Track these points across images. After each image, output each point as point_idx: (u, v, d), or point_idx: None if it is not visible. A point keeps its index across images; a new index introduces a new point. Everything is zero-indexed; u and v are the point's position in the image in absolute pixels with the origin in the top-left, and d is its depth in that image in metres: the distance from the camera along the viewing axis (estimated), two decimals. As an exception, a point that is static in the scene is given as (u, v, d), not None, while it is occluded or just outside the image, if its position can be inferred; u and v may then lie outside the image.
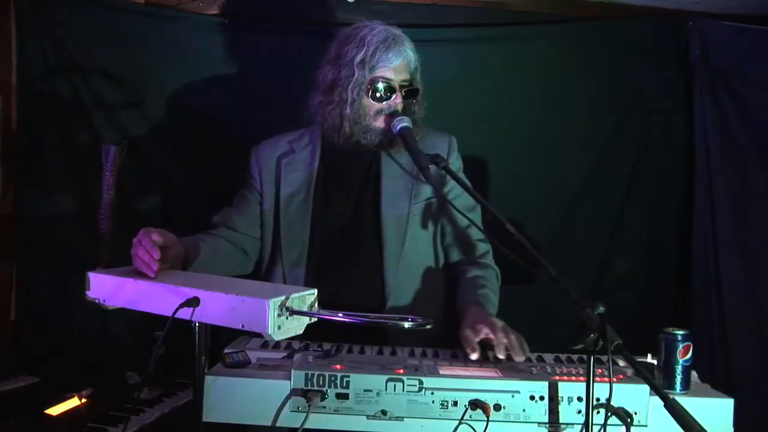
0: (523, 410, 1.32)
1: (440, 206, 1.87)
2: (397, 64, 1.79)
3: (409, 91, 1.82)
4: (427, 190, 1.86)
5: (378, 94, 1.79)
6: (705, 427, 1.06)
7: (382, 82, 1.79)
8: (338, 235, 1.85)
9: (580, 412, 1.31)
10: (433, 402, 1.31)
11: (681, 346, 1.38)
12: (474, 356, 1.51)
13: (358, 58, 1.77)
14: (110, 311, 1.46)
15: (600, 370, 1.22)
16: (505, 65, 2.66)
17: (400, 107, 1.80)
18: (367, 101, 1.79)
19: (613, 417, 1.24)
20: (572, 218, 2.71)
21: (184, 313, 1.27)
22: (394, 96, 1.80)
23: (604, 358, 1.18)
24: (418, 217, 1.86)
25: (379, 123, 1.80)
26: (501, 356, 1.50)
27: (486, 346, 1.54)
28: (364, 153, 1.87)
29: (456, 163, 1.93)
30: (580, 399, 1.31)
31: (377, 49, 1.77)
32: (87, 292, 1.43)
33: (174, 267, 1.57)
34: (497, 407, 1.31)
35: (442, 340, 1.70)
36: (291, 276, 1.82)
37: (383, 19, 1.88)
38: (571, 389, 1.32)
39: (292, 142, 1.94)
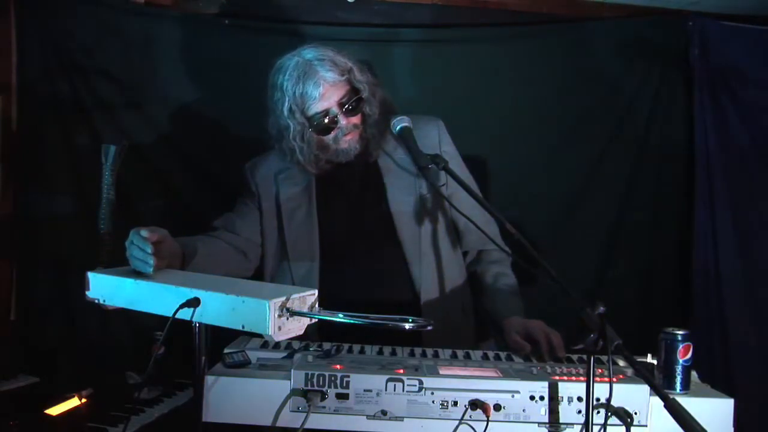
0: (523, 410, 1.32)
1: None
2: (322, 91, 1.73)
3: (352, 106, 1.78)
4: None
5: (323, 129, 1.77)
6: (705, 427, 1.06)
7: (319, 117, 1.76)
8: (350, 239, 1.85)
9: (580, 412, 1.31)
10: (433, 402, 1.31)
11: (681, 346, 1.38)
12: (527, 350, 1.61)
13: (285, 108, 1.76)
14: (110, 311, 1.46)
15: (600, 370, 1.22)
16: (505, 65, 2.66)
17: (352, 121, 1.78)
18: (319, 137, 1.79)
19: (613, 417, 1.24)
20: (572, 218, 2.72)
21: (185, 314, 1.27)
22: (340, 119, 1.77)
23: (604, 358, 1.19)
24: (428, 206, 1.86)
25: (348, 141, 1.79)
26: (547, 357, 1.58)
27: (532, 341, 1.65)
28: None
29: (449, 149, 1.91)
30: (580, 399, 1.31)
31: (295, 92, 1.74)
32: (87, 292, 1.43)
33: (172, 265, 1.56)
34: (497, 407, 1.31)
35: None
36: (303, 284, 1.81)
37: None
38: (571, 389, 1.32)
39: (284, 159, 1.92)
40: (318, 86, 1.73)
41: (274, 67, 1.81)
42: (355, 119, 1.79)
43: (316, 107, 1.75)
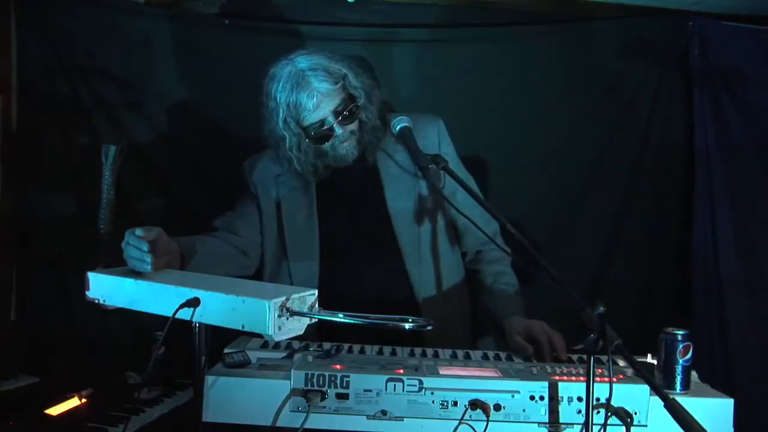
0: (523, 410, 1.32)
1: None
2: (316, 101, 1.70)
3: (348, 112, 1.75)
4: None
5: (319, 138, 1.76)
6: (705, 427, 1.06)
7: (315, 127, 1.74)
8: (350, 240, 1.85)
9: (580, 412, 1.31)
10: (433, 402, 1.31)
11: (681, 346, 1.38)
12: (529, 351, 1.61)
13: (280, 119, 1.74)
14: (110, 311, 1.46)
15: (600, 370, 1.22)
16: (505, 65, 2.66)
17: (349, 128, 1.77)
18: (317, 145, 1.77)
19: (613, 417, 1.24)
20: (572, 218, 2.71)
21: (185, 314, 1.27)
22: (336, 127, 1.75)
23: (604, 358, 1.19)
24: (427, 206, 1.86)
25: (346, 148, 1.77)
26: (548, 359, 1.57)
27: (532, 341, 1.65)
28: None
29: (448, 150, 1.90)
30: (580, 399, 1.31)
31: (289, 103, 1.71)
32: (87, 292, 1.44)
33: (172, 265, 1.57)
34: (497, 407, 1.31)
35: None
36: (303, 285, 1.81)
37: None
38: (571, 389, 1.32)
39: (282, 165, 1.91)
40: (312, 97, 1.70)
41: (267, 75, 1.78)
42: (352, 126, 1.78)
43: (311, 118, 1.73)
